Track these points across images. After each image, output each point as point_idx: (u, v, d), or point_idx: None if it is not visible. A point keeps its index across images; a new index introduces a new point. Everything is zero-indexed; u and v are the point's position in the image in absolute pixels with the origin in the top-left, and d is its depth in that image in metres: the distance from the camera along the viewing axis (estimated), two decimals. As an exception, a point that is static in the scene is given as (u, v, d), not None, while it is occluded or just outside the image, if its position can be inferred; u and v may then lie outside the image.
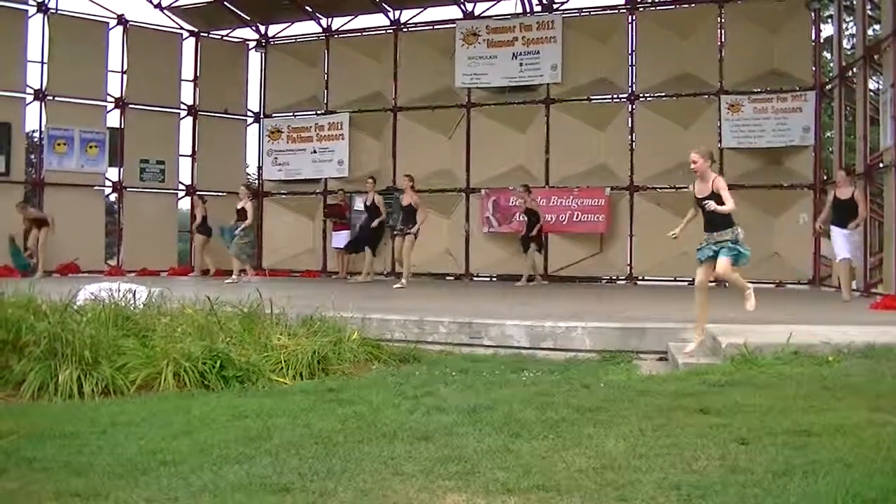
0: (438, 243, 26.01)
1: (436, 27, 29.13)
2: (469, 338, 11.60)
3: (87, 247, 27.20)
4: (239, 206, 23.35)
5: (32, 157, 30.60)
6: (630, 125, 26.42)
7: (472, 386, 8.88)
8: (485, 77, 27.31)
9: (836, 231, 17.54)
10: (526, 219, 23.89)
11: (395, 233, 22.10)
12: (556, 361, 10.59)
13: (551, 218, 24.71)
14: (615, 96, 26.77)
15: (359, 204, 27.11)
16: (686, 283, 24.44)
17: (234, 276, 23.22)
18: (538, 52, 26.62)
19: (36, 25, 26.94)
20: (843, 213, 17.34)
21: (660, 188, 25.71)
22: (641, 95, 26.19)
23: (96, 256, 27.83)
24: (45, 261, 24.96)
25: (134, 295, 11.40)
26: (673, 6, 27.52)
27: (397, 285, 20.84)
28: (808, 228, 23.24)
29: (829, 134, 29.14)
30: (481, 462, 6.00)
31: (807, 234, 23.50)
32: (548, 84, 26.74)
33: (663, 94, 26.22)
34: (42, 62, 26.95)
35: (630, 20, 26.32)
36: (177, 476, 5.79)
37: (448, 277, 26.83)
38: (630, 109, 26.40)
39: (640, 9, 26.48)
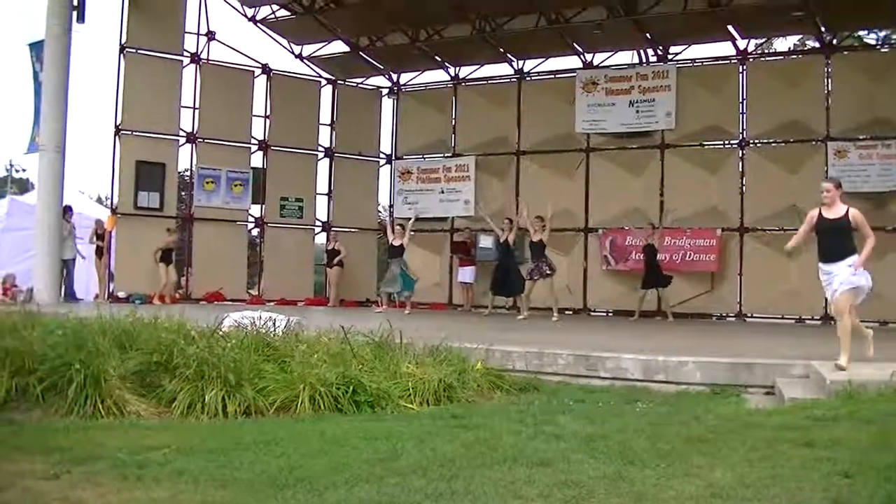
0: (558, 279, 25.94)
1: (557, 76, 29.19)
2: (586, 369, 11.55)
3: (231, 277, 27.69)
4: (397, 243, 23.63)
5: (183, 193, 31.26)
6: (741, 169, 26.14)
7: (589, 415, 8.85)
8: (603, 123, 27.29)
9: None
10: (644, 256, 23.82)
11: (531, 273, 22.05)
12: (668, 394, 10.53)
13: (665, 257, 24.54)
14: (726, 142, 26.51)
15: (484, 241, 27.24)
16: (793, 321, 24.27)
17: (407, 310, 23.48)
18: (653, 100, 26.55)
19: (189, 74, 27.69)
20: None
21: (769, 230, 25.40)
22: (751, 141, 25.89)
23: (239, 286, 28.33)
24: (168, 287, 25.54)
25: (274, 323, 11.58)
26: (781, 57, 27.39)
27: (554, 318, 21.11)
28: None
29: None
30: (597, 488, 6.01)
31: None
32: (662, 130, 26.64)
33: (772, 140, 25.89)
34: (194, 108, 27.63)
35: (741, 70, 26.10)
36: (312, 492, 5.91)
37: (567, 312, 26.70)
38: (741, 155, 26.13)
39: (751, 59, 26.28)
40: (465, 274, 27.79)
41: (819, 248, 11.12)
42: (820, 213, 11.11)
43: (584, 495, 5.85)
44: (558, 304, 22.08)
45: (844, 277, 10.71)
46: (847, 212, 10.91)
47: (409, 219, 25.47)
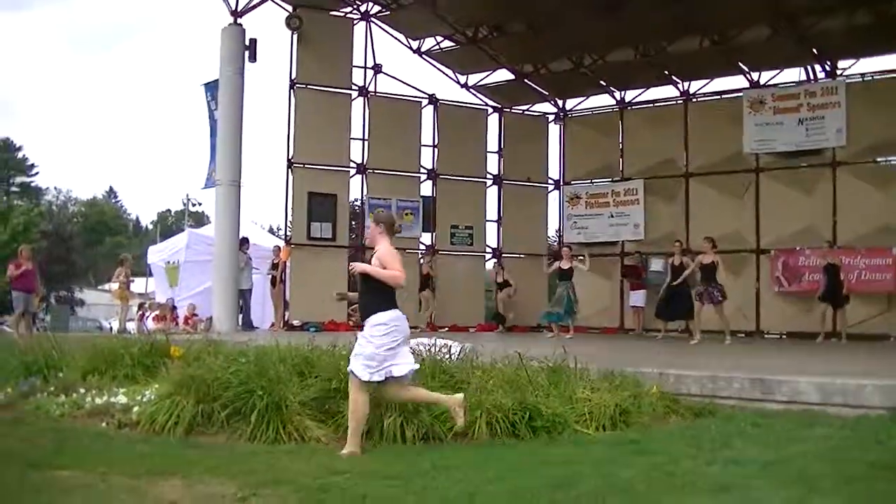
0: (731, 302, 25.51)
1: (723, 96, 28.86)
2: (761, 393, 11.31)
3: (402, 304, 27.85)
4: (565, 267, 23.57)
5: (354, 223, 31.76)
6: (917, 185, 25.43)
7: (766, 440, 8.68)
8: (772, 142, 26.82)
9: None
10: (825, 275, 23.09)
11: (700, 295, 21.62)
12: (847, 418, 10.24)
13: (841, 276, 23.90)
14: (901, 158, 25.86)
15: (655, 265, 26.98)
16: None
17: (570, 334, 23.41)
18: (823, 117, 25.95)
19: (357, 107, 28.14)
20: None
21: (947, 246, 24.67)
22: (927, 157, 25.22)
23: (411, 313, 28.48)
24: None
25: (449, 349, 11.65)
26: (958, 69, 26.64)
27: (727, 342, 20.76)
28: None
29: None
30: (778, 514, 5.91)
31: None
32: (833, 147, 26.06)
33: (949, 155, 25.15)
34: (363, 139, 28.06)
35: (915, 83, 25.44)
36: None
37: (740, 335, 26.28)
38: (916, 171, 25.45)
39: (925, 72, 25.60)
40: (637, 298, 27.57)
41: None
42: None
43: (766, 521, 5.75)
44: (729, 328, 21.65)
45: None
46: None
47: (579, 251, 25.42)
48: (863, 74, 26.53)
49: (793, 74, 27.76)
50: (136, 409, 9.47)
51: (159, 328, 22.62)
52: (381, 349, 8.57)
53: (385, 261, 8.84)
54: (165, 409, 9.07)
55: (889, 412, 10.35)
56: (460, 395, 8.89)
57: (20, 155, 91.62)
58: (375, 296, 8.90)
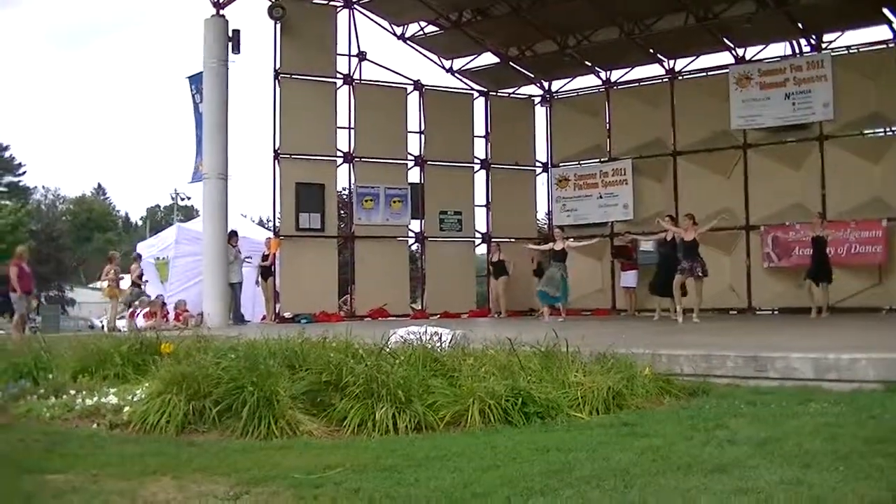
0: (721, 279, 25.56)
1: (709, 73, 28.89)
2: (755, 371, 11.29)
3: (393, 293, 27.96)
4: (559, 248, 23.60)
5: (343, 213, 31.74)
6: (905, 156, 25.46)
7: (761, 418, 8.66)
8: (759, 118, 26.84)
9: None
10: (813, 248, 22.90)
11: (682, 270, 21.46)
12: (841, 393, 10.22)
13: (831, 251, 23.79)
14: (888, 129, 25.85)
15: (645, 245, 26.94)
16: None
17: (562, 317, 23.44)
18: (810, 91, 25.98)
19: (343, 96, 28.12)
20: None
21: (938, 216, 24.71)
22: (914, 127, 25.23)
23: (402, 301, 28.56)
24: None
25: (440, 337, 11.60)
26: (945, 36, 26.71)
27: (695, 320, 20.58)
28: None
29: None
30: (775, 493, 5.83)
31: None
32: (820, 121, 26.04)
33: (938, 123, 25.16)
34: (349, 128, 28.03)
35: (901, 53, 25.46)
36: (487, 506, 5.90)
37: (731, 312, 26.36)
38: (903, 141, 25.47)
39: (911, 42, 25.60)
40: (628, 278, 27.60)
41: None
42: None
43: (762, 501, 5.69)
44: (700, 306, 21.50)
45: None
46: None
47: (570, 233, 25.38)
48: (848, 47, 26.58)
49: (778, 49, 27.83)
50: (127, 409, 9.40)
51: (150, 325, 22.57)
52: None
53: None
54: (156, 408, 8.99)
55: (883, 385, 10.36)
56: None
57: (7, 154, 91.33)
58: None
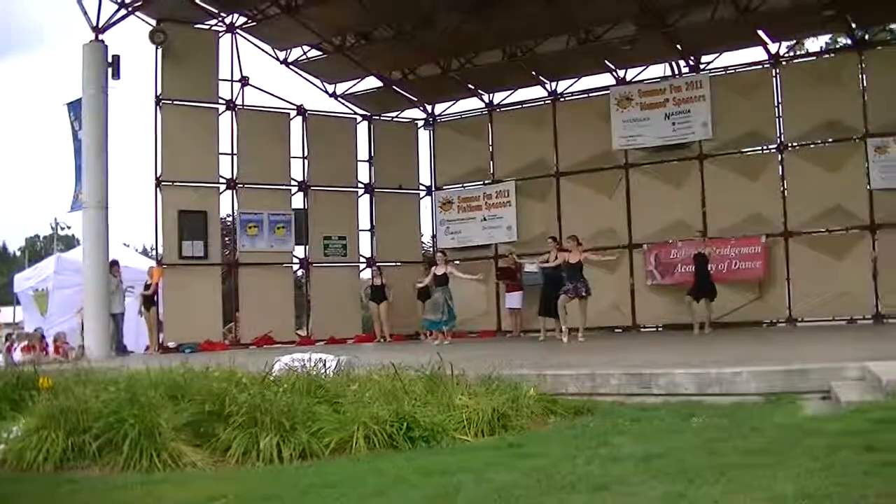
0: (606, 298, 25.83)
1: (591, 95, 29.28)
2: (639, 387, 11.40)
3: (279, 320, 27.75)
4: (440, 273, 23.59)
5: (227, 239, 31.42)
6: (781, 173, 26.07)
7: (645, 434, 8.73)
8: (640, 138, 27.25)
9: None
10: (695, 265, 23.33)
11: (567, 290, 21.59)
12: (724, 406, 10.37)
13: (712, 267, 24.18)
14: (765, 147, 26.44)
15: (529, 266, 27.09)
16: (844, 322, 24.07)
17: (447, 339, 23.45)
18: (689, 111, 26.49)
19: (225, 121, 27.93)
20: None
21: (814, 232, 25.27)
22: (790, 144, 25.81)
23: (287, 327, 28.33)
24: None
25: (324, 364, 11.56)
26: (814, 58, 27.42)
27: (581, 339, 20.79)
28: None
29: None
30: (657, 509, 5.92)
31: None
32: (700, 140, 26.55)
33: (811, 141, 25.78)
34: (232, 154, 27.80)
35: (774, 73, 26.11)
36: (372, 534, 5.87)
37: (616, 330, 26.67)
38: (780, 158, 26.06)
39: (783, 62, 26.27)
40: (513, 300, 27.68)
41: None
42: None
43: (644, 518, 5.76)
44: (585, 325, 21.72)
45: None
46: None
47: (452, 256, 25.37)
48: (726, 68, 27.21)
49: (658, 70, 28.33)
50: (1, 446, 9.19)
51: (28, 359, 22.09)
52: None
53: None
54: (34, 445, 8.78)
55: (764, 398, 10.54)
56: None
57: None
58: None
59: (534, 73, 29.36)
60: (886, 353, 11.13)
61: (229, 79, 28.02)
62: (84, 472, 8.49)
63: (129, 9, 24.87)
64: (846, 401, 9.61)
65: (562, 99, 29.55)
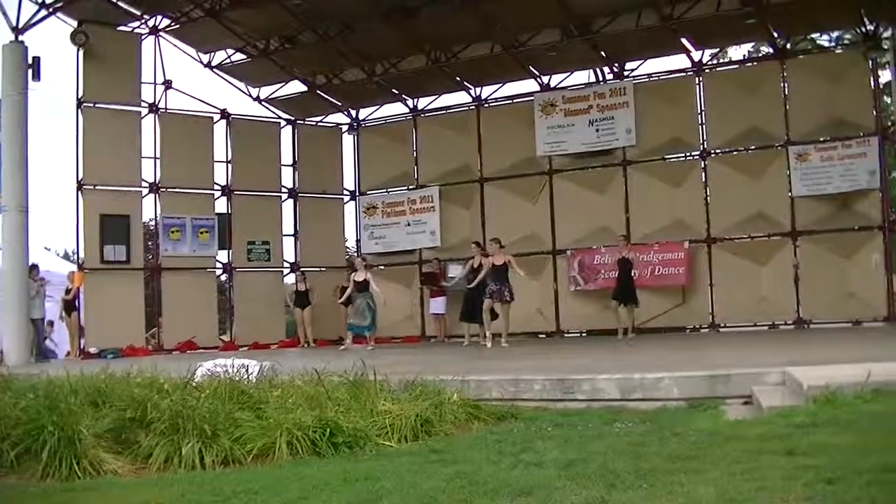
0: (530, 303, 25.89)
1: (515, 101, 29.29)
2: (563, 393, 11.43)
3: (202, 325, 27.52)
4: (360, 279, 23.36)
5: (150, 244, 31.11)
6: (704, 180, 26.31)
7: (568, 440, 8.75)
8: (564, 144, 27.36)
9: None
10: (618, 270, 23.27)
11: (492, 293, 21.60)
12: (647, 411, 10.44)
13: (635, 273, 24.32)
14: (688, 154, 26.69)
15: (453, 271, 27.11)
16: (766, 328, 24.35)
17: (371, 345, 23.34)
18: (613, 118, 26.67)
19: (148, 125, 27.59)
20: None
21: (736, 238, 25.57)
22: (713, 151, 26.05)
23: (211, 333, 28.11)
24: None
25: (247, 370, 11.48)
26: (737, 66, 27.75)
27: (504, 343, 20.84)
28: (881, 268, 23.09)
29: (894, 174, 28.84)
30: (579, 514, 5.94)
31: (879, 273, 23.25)
32: (623, 147, 26.73)
33: (734, 148, 25.99)
34: (155, 158, 27.50)
35: (698, 81, 26.34)
36: (295, 540, 5.84)
37: (540, 335, 26.74)
38: (703, 165, 26.31)
39: (707, 70, 26.49)
40: (437, 305, 27.73)
41: None
42: None
43: (567, 523, 5.77)
44: (508, 330, 21.75)
45: None
46: None
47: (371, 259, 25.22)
48: (649, 75, 27.37)
49: (582, 77, 28.42)
50: (-85, 456, 9.03)
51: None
52: None
53: None
54: (-52, 455, 8.67)
55: (686, 403, 10.63)
56: None
57: None
58: None
59: (458, 78, 29.38)
60: (807, 359, 11.29)
61: (152, 82, 27.72)
62: (1, 480, 8.36)
63: (50, 9, 24.59)
64: (768, 406, 9.70)
65: (486, 105, 29.60)
